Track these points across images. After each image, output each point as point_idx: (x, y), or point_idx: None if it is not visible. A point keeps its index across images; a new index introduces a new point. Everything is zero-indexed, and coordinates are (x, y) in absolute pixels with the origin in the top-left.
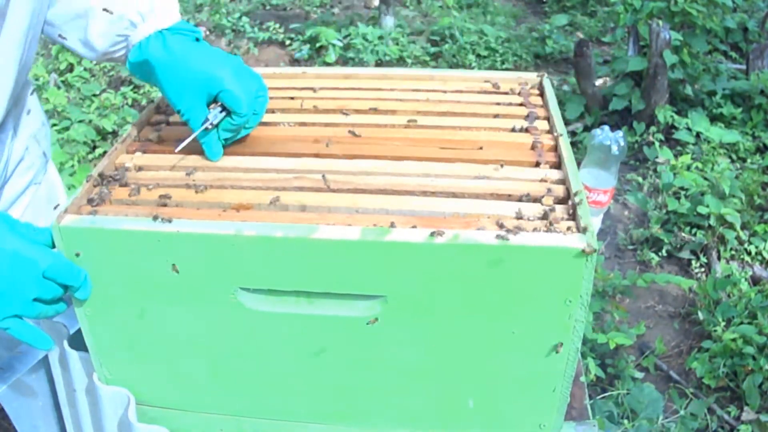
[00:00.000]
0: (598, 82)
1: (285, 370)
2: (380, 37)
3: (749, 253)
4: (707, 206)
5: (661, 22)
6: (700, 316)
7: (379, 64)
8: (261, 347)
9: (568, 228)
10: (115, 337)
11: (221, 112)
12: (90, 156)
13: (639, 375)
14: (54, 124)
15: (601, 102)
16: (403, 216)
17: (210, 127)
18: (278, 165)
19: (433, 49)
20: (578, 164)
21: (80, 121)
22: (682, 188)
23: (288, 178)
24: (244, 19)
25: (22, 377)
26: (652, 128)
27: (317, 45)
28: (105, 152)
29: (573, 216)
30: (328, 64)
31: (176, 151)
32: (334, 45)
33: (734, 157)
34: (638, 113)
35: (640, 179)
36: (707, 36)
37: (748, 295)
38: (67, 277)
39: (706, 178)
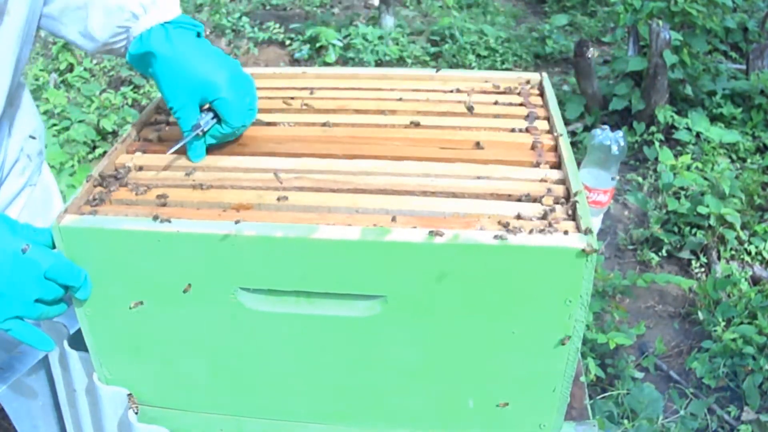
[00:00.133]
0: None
1: (285, 370)
2: (380, 37)
3: (749, 253)
4: (707, 206)
5: (661, 22)
6: (700, 316)
7: (379, 64)
8: (261, 347)
9: (568, 228)
10: (115, 337)
11: (213, 118)
12: (90, 156)
13: (639, 375)
14: (54, 124)
15: (601, 102)
16: (403, 216)
17: (201, 133)
18: (278, 165)
19: (433, 49)
20: (578, 164)
21: (80, 121)
22: (682, 188)
23: (288, 178)
24: (244, 19)
25: (22, 377)
26: (652, 128)
27: (317, 45)
28: (105, 152)
29: (573, 216)
30: (328, 64)
31: (168, 153)
32: (334, 45)
33: (734, 157)
34: (638, 113)
35: (640, 179)
36: (707, 36)
37: (748, 295)
38: (68, 277)
39: (706, 178)
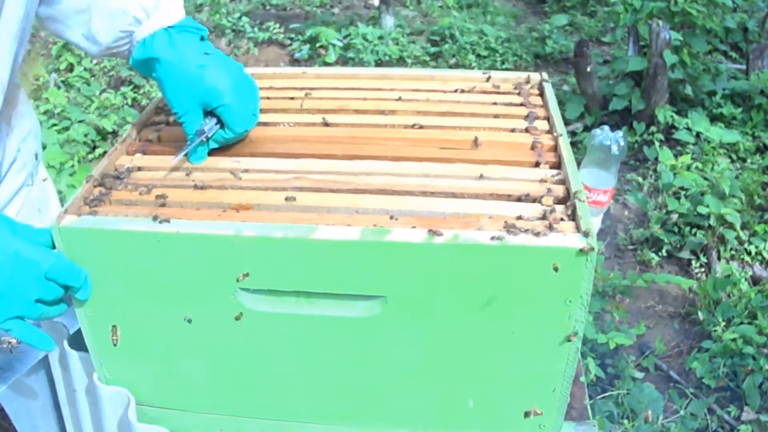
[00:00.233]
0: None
1: (285, 370)
2: (380, 37)
3: (749, 253)
4: (707, 206)
5: (661, 22)
6: (700, 316)
7: (379, 64)
8: (261, 347)
9: (568, 228)
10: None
11: (216, 124)
12: (90, 156)
13: (639, 375)
14: (54, 124)
15: (601, 102)
16: (403, 216)
17: (204, 139)
18: (278, 165)
19: (433, 49)
20: (578, 164)
21: (80, 121)
22: (682, 188)
23: (288, 179)
24: (244, 19)
25: (22, 377)
26: (652, 128)
27: (317, 45)
28: (105, 152)
29: (573, 216)
30: (328, 64)
31: (173, 161)
32: (334, 45)
33: (734, 157)
34: (638, 113)
35: (640, 179)
36: (707, 36)
37: (748, 295)
38: (69, 277)
39: (706, 178)
